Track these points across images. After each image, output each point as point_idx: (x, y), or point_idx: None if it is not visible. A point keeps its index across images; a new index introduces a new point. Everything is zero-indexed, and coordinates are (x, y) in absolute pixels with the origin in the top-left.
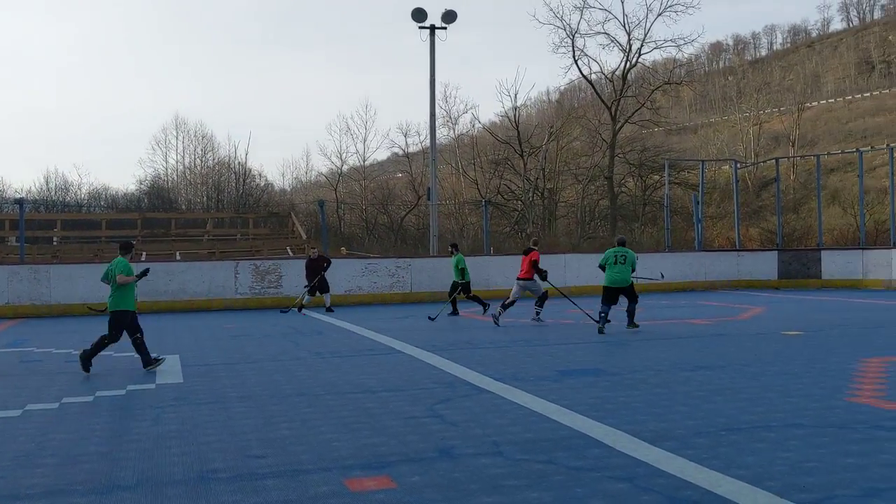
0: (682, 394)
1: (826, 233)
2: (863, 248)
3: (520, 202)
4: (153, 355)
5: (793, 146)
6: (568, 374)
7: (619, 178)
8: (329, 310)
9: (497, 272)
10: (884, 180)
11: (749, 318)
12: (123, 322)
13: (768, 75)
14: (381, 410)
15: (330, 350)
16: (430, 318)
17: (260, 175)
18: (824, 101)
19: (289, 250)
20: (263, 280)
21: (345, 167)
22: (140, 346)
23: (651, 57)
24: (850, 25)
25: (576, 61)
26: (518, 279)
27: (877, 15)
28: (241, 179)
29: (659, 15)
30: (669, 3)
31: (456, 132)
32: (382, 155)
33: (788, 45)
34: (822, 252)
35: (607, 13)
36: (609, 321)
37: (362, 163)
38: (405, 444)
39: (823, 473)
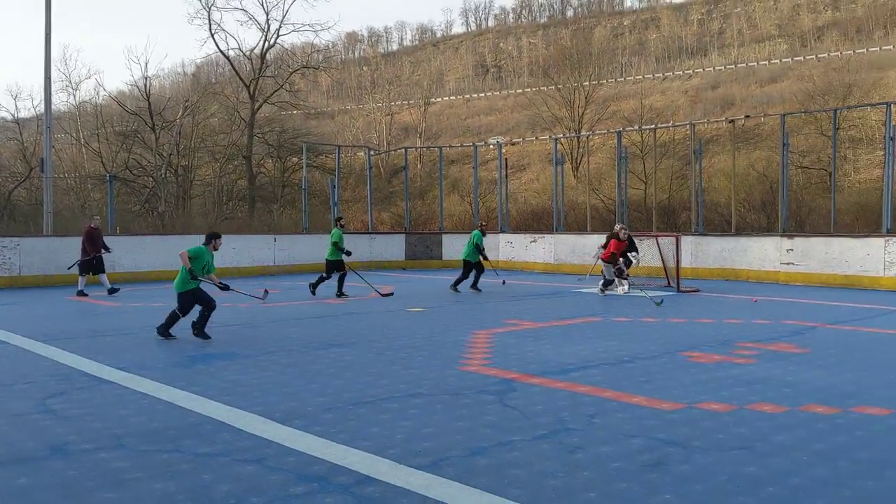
0: (314, 372)
1: (447, 218)
2: None
3: (151, 179)
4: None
5: (420, 137)
6: (199, 359)
7: (257, 159)
8: (113, 291)
9: (124, 254)
10: (494, 172)
11: (379, 297)
12: (194, 299)
13: (399, 69)
14: None
15: None
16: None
17: None
18: (447, 98)
19: None
20: None
21: None
22: (174, 319)
23: (290, 39)
24: (469, 30)
25: (212, 35)
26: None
27: (491, 23)
28: None
29: None
30: None
31: (77, 99)
32: None
33: (417, 42)
34: (444, 235)
35: None
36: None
37: None
38: (9, 444)
39: (438, 438)
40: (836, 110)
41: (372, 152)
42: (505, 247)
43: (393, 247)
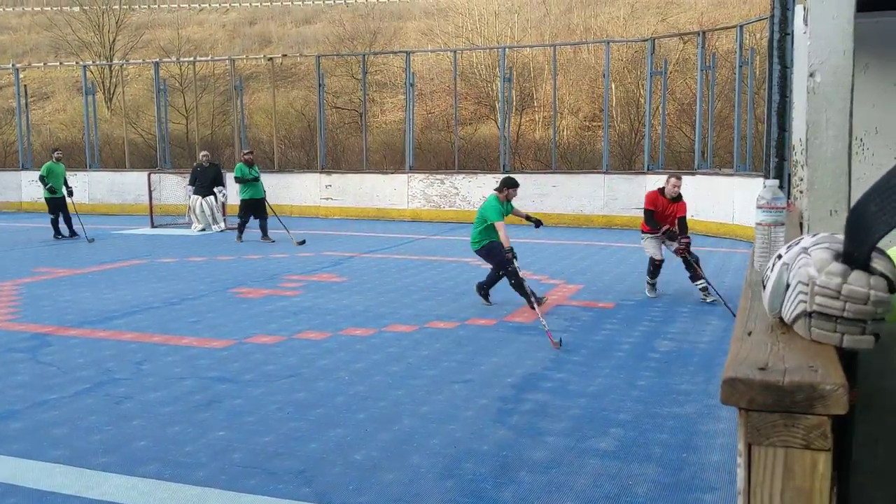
0: None
1: None
2: None
3: None
4: None
5: None
6: None
7: None
8: None
9: None
10: (11, 101)
11: None
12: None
13: None
14: None
15: None
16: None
17: None
18: None
19: None
20: None
21: None
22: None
23: None
24: None
25: None
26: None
27: None
28: None
29: None
30: None
31: None
32: None
33: None
34: None
35: None
36: None
37: None
38: None
39: None
40: (364, 55)
41: None
42: (28, 186)
43: None
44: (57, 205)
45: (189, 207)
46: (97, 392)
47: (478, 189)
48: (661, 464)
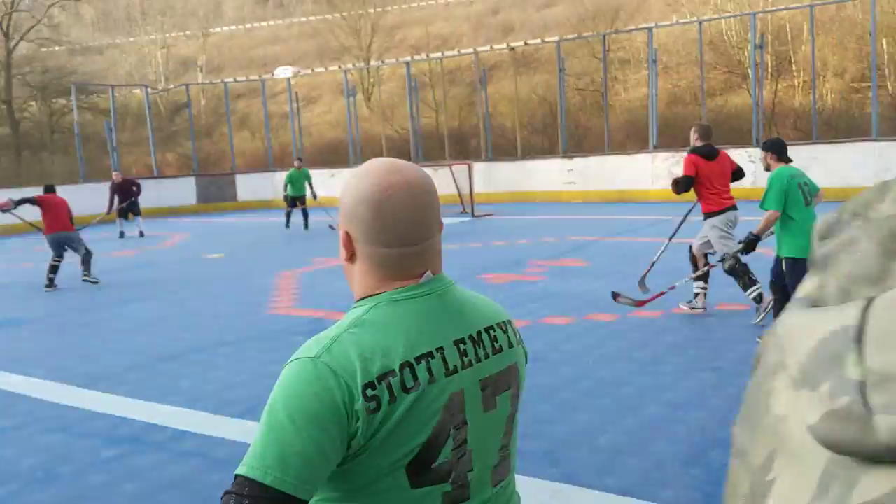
0: (112, 331)
1: (238, 156)
2: (272, 171)
3: None
4: None
5: (201, 71)
6: None
7: (19, 103)
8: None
9: None
10: (284, 106)
11: (173, 245)
12: None
13: None
14: None
15: None
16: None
17: None
18: (227, 28)
19: None
20: None
21: None
22: None
23: None
24: None
25: None
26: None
27: None
28: None
29: None
30: None
31: None
32: None
33: None
34: (237, 175)
35: None
36: None
37: None
38: None
39: (251, 385)
40: (604, 35)
41: (149, 90)
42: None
43: (183, 190)
44: (293, 202)
45: None
46: None
47: None
48: None
